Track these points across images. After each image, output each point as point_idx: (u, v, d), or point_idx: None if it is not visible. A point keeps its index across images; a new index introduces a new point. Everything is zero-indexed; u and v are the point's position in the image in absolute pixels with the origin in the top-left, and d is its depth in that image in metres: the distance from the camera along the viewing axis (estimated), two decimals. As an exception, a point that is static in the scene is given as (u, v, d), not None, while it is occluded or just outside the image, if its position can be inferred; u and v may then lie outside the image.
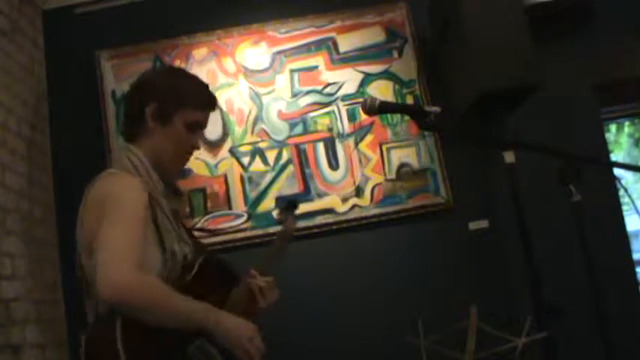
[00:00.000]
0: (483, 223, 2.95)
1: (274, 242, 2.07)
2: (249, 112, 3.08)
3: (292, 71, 3.14)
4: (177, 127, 1.84)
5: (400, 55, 3.16)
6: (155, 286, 1.61)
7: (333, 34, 3.18)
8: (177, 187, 1.96)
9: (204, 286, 1.74)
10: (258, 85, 3.12)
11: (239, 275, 1.90)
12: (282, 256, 2.05)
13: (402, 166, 3.04)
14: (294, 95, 3.12)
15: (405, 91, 3.12)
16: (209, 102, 1.92)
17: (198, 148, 1.94)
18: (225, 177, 3.01)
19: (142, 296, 1.55)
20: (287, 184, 3.02)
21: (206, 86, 1.93)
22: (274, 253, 2.03)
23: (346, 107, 3.10)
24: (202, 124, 1.92)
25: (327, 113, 3.10)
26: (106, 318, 1.56)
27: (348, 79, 3.13)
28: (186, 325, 1.60)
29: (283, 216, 2.12)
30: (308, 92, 3.12)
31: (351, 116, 3.09)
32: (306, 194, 3.00)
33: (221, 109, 3.07)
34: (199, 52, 3.14)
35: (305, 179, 3.02)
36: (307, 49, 3.17)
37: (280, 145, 3.06)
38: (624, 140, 6.84)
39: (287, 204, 2.15)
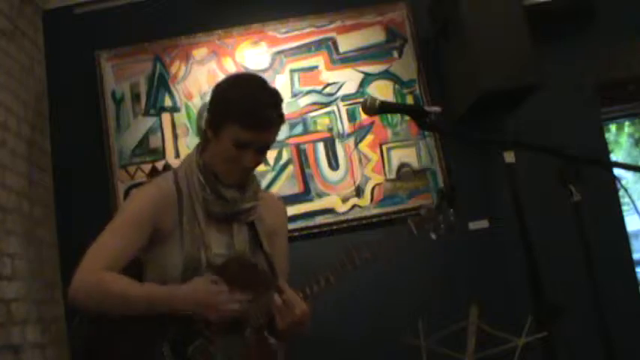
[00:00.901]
0: (483, 223, 2.95)
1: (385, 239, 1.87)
2: (249, 112, 3.08)
3: (292, 71, 3.14)
4: (224, 142, 1.73)
5: (400, 55, 3.16)
6: (106, 282, 1.66)
7: (333, 34, 3.18)
8: (224, 193, 1.79)
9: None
10: (258, 85, 3.12)
11: (271, 284, 1.78)
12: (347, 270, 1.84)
13: (402, 166, 3.04)
14: (294, 95, 3.12)
15: (405, 91, 3.12)
16: (255, 122, 1.71)
17: (249, 168, 1.80)
18: (225, 177, 3.01)
19: (89, 294, 1.65)
20: (287, 184, 3.02)
21: (261, 103, 1.73)
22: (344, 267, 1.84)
23: (346, 107, 3.10)
24: (252, 143, 1.74)
25: (327, 113, 3.10)
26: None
27: (348, 79, 3.13)
28: (151, 310, 1.65)
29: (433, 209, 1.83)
30: (308, 92, 3.12)
31: (351, 116, 3.09)
32: (306, 194, 3.00)
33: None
34: (199, 52, 3.14)
35: (305, 179, 3.02)
36: (307, 49, 3.17)
37: (280, 145, 3.06)
38: (624, 140, 6.84)
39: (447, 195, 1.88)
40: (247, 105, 1.71)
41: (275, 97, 1.78)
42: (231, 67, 3.13)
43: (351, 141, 3.07)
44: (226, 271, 1.74)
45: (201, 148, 1.85)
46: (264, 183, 3.01)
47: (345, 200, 2.99)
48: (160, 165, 3.01)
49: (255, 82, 1.81)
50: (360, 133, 3.08)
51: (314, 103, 3.11)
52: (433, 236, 1.86)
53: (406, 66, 3.14)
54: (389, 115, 3.08)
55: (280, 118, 1.78)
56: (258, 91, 1.76)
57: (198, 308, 1.66)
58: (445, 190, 1.89)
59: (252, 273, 1.80)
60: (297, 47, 3.16)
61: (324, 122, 3.09)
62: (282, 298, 1.70)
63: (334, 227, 2.96)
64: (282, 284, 1.74)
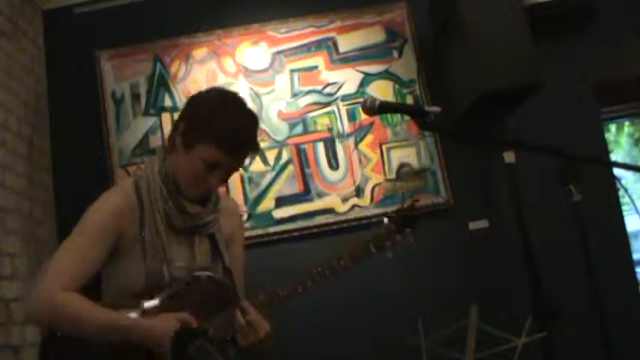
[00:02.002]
0: (483, 223, 2.95)
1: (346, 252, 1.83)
2: (249, 112, 3.08)
3: (292, 71, 3.14)
4: (194, 158, 1.72)
5: (400, 55, 3.16)
6: (69, 305, 1.63)
7: (333, 34, 3.18)
8: (187, 208, 1.77)
9: (178, 306, 1.69)
10: (258, 85, 3.12)
11: (234, 300, 1.79)
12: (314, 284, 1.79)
13: (402, 166, 3.04)
14: (294, 95, 3.12)
15: (405, 91, 3.12)
16: (233, 146, 1.71)
17: (213, 189, 1.79)
18: (225, 177, 3.01)
19: (53, 315, 1.63)
20: (287, 184, 3.02)
21: (242, 128, 1.73)
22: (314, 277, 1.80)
23: (346, 107, 3.10)
24: (223, 166, 1.73)
25: (327, 113, 3.10)
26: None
27: (348, 79, 3.13)
28: (112, 336, 1.63)
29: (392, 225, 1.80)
30: (308, 92, 3.12)
31: (351, 116, 3.09)
32: (306, 194, 3.00)
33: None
34: (199, 52, 3.14)
35: (305, 179, 3.02)
36: (307, 49, 3.17)
37: (280, 145, 3.06)
38: (624, 140, 6.83)
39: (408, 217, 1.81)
40: (229, 129, 1.70)
41: (255, 123, 1.79)
42: (231, 67, 3.13)
43: (351, 141, 3.07)
44: (191, 290, 1.73)
45: (163, 155, 1.81)
46: (264, 183, 3.01)
47: (345, 200, 2.99)
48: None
49: (238, 103, 1.79)
50: (360, 133, 3.08)
51: (314, 103, 3.11)
52: (390, 254, 1.84)
53: (406, 66, 3.13)
54: (389, 115, 3.08)
55: (256, 146, 1.79)
56: (241, 115, 1.76)
57: (153, 348, 1.63)
58: (404, 211, 1.85)
59: (216, 290, 1.79)
60: (297, 47, 3.16)
61: (324, 122, 3.09)
62: (246, 320, 1.70)
63: (334, 227, 2.96)
64: (247, 305, 1.72)
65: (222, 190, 1.97)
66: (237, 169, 1.81)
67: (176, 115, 3.05)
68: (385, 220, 1.81)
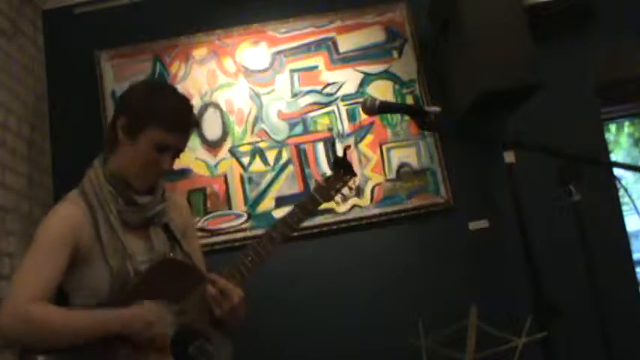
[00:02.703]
0: (483, 223, 2.95)
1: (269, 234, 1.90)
2: (249, 112, 3.08)
3: (292, 71, 3.14)
4: (143, 145, 1.78)
5: (400, 55, 3.16)
6: (45, 313, 1.62)
7: (333, 34, 3.18)
8: (136, 200, 1.83)
9: (147, 293, 1.72)
10: (258, 85, 3.12)
11: (201, 278, 1.82)
12: (266, 256, 1.87)
13: (402, 166, 3.04)
14: (294, 95, 3.12)
15: (405, 91, 3.12)
16: (179, 125, 1.81)
17: (166, 171, 1.85)
18: (225, 177, 3.01)
19: (30, 326, 1.60)
20: (287, 184, 3.02)
21: (182, 107, 1.84)
22: (262, 254, 1.86)
23: (346, 107, 3.10)
24: (172, 147, 1.82)
25: (327, 113, 3.10)
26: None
27: (348, 79, 3.13)
28: (97, 336, 1.63)
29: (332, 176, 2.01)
30: (308, 92, 3.12)
31: (351, 116, 3.09)
32: (306, 194, 2.99)
33: (221, 109, 3.08)
34: (199, 52, 3.14)
35: (305, 179, 3.02)
36: (307, 49, 3.17)
37: (280, 145, 3.06)
38: (624, 140, 6.83)
39: (345, 167, 2.01)
40: (172, 109, 1.80)
41: (190, 102, 1.89)
42: (231, 67, 3.13)
43: (351, 141, 3.07)
44: (154, 275, 1.75)
45: (103, 159, 1.86)
46: (264, 183, 3.01)
47: (345, 200, 2.99)
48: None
49: (171, 88, 1.92)
50: (360, 133, 3.08)
51: (314, 103, 3.11)
52: (338, 199, 2.08)
53: (406, 66, 3.13)
54: (389, 115, 3.08)
55: (197, 123, 1.93)
56: (177, 97, 1.86)
57: (137, 336, 1.65)
58: (338, 158, 2.07)
59: (181, 270, 1.83)
60: (297, 47, 3.16)
61: (324, 122, 3.09)
62: (217, 288, 1.75)
63: (334, 227, 2.96)
64: (215, 277, 1.78)
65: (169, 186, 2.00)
66: (183, 149, 1.87)
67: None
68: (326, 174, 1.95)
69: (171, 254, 1.86)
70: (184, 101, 1.87)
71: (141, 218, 1.83)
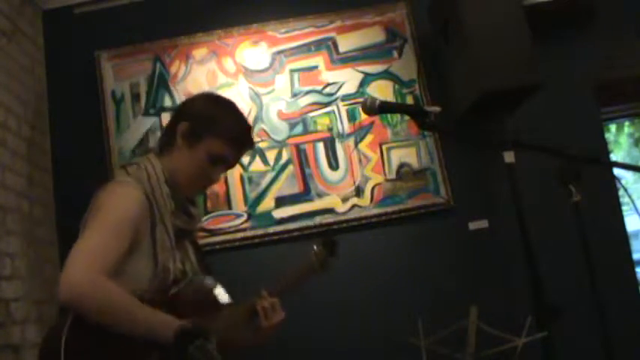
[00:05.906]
0: (483, 223, 2.95)
1: (297, 270, 2.03)
2: (249, 112, 3.08)
3: (292, 71, 3.14)
4: (200, 153, 1.81)
5: (400, 55, 3.16)
6: (114, 292, 1.57)
7: (333, 34, 3.18)
8: (190, 209, 1.89)
9: (187, 305, 1.73)
10: (258, 85, 3.12)
11: (220, 304, 1.85)
12: (298, 286, 2.00)
13: (402, 166, 3.04)
14: (294, 95, 3.12)
15: (405, 91, 3.12)
16: (238, 140, 1.86)
17: (213, 184, 1.92)
18: (225, 177, 3.01)
19: (95, 300, 1.53)
20: (287, 184, 3.02)
21: (245, 125, 1.90)
22: (292, 282, 2.00)
23: (346, 107, 3.10)
24: (227, 160, 1.86)
25: (327, 113, 3.10)
26: (60, 318, 1.57)
27: (348, 79, 3.13)
28: (146, 335, 1.59)
29: (320, 251, 2.06)
30: (308, 92, 3.12)
31: (351, 116, 3.09)
32: (306, 194, 3.00)
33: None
34: (199, 52, 3.14)
35: (305, 179, 3.02)
36: (307, 49, 3.17)
37: (280, 145, 3.06)
38: (624, 140, 6.83)
39: (330, 244, 2.07)
40: (234, 123, 1.86)
41: (251, 124, 1.98)
42: (231, 67, 3.13)
43: (351, 141, 3.07)
44: (191, 292, 1.79)
45: (162, 158, 1.85)
46: (264, 183, 3.01)
47: (345, 200, 2.99)
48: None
49: (235, 105, 1.95)
50: (360, 133, 3.08)
51: (314, 103, 3.11)
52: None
53: (406, 66, 3.14)
54: (389, 115, 3.08)
55: (252, 145, 1.97)
56: (241, 114, 1.92)
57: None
58: (328, 240, 2.10)
59: (201, 293, 1.85)
60: (297, 47, 3.17)
61: (324, 122, 3.09)
62: (269, 302, 1.86)
63: (334, 227, 2.96)
64: (265, 293, 1.88)
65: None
66: (234, 166, 1.94)
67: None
68: (315, 247, 2.06)
69: (199, 271, 1.89)
70: (247, 120, 1.93)
71: (186, 227, 1.86)
